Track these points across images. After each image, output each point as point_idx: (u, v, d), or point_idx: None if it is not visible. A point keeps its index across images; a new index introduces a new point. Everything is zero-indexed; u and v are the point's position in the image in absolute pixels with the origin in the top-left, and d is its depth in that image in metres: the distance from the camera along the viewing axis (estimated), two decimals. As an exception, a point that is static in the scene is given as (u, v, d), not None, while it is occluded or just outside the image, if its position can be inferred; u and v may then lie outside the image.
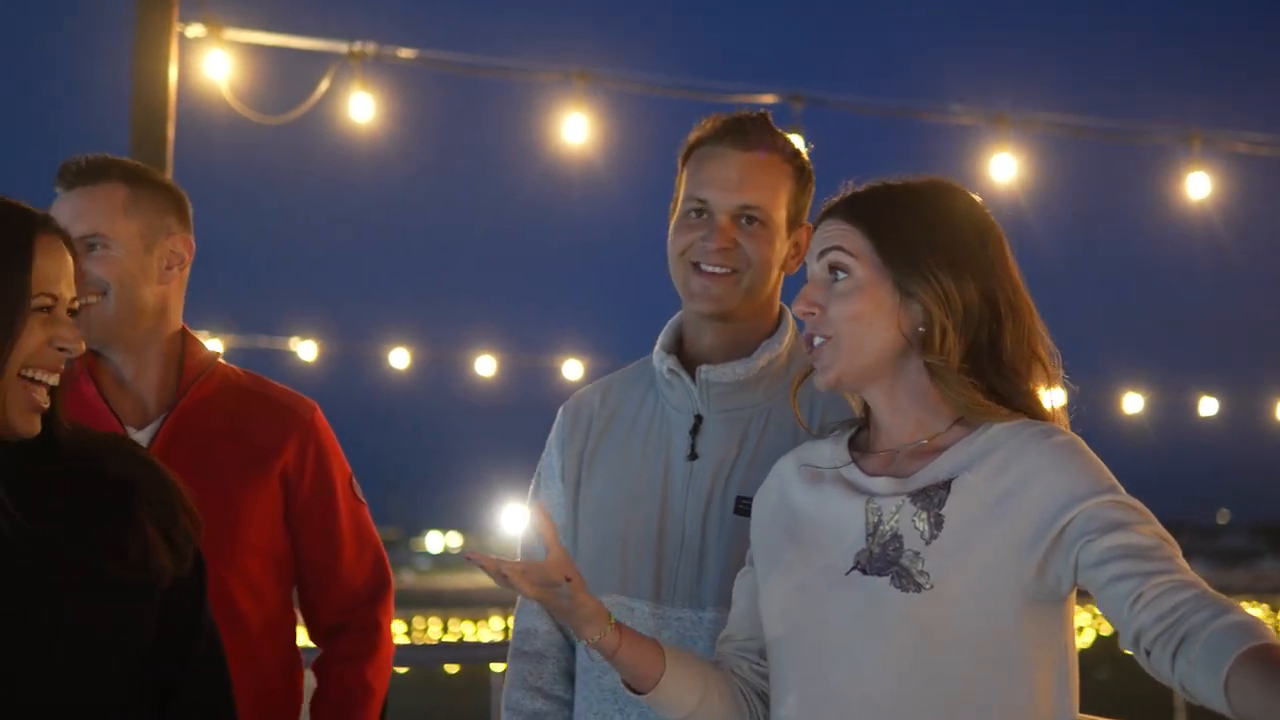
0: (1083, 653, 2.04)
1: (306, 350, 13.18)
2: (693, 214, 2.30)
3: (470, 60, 7.27)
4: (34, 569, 1.85)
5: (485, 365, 13.48)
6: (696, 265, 2.28)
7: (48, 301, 1.89)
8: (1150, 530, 1.80)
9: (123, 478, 1.95)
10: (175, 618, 1.97)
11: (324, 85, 6.63)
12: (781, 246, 2.33)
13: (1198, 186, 7.84)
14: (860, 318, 1.92)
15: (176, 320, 2.62)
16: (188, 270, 2.63)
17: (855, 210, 1.96)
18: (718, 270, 2.27)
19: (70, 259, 1.94)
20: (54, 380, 1.90)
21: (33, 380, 1.87)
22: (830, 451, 2.01)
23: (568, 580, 1.88)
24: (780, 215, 2.31)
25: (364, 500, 2.71)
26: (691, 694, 1.99)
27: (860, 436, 2.03)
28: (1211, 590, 1.73)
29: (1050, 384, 1.96)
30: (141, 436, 2.52)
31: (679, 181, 2.35)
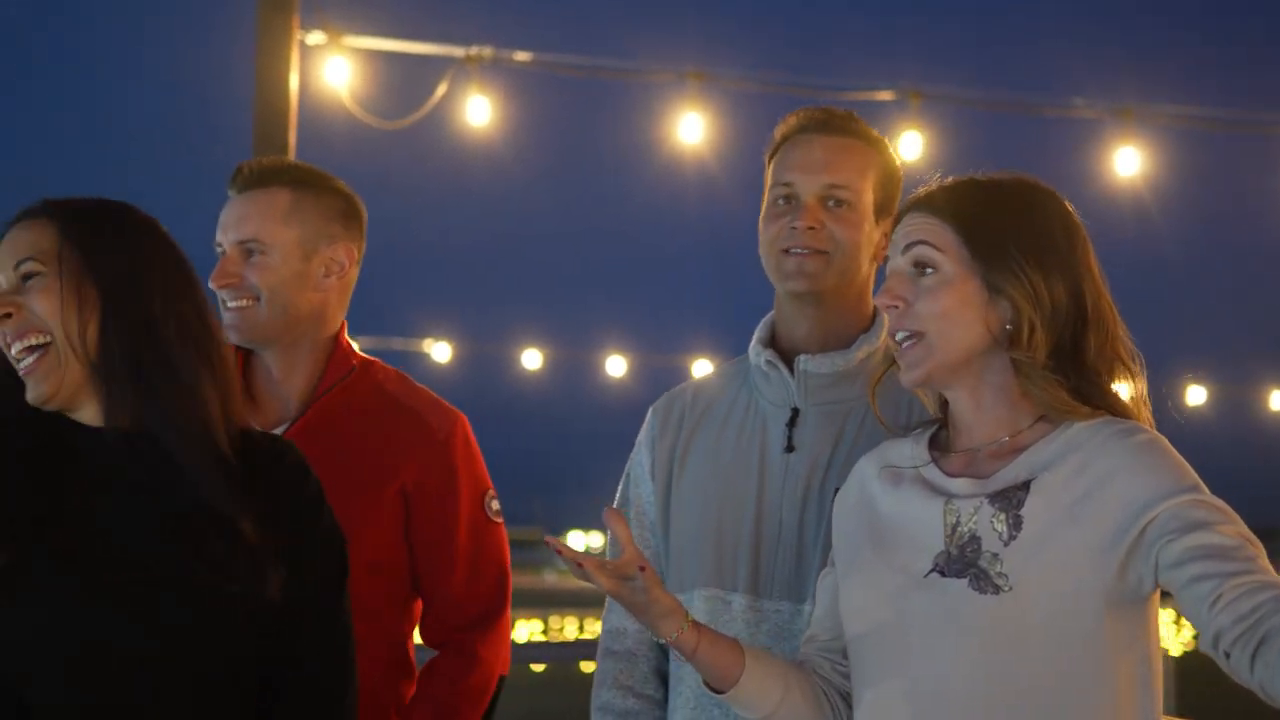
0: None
1: (440, 352, 13.37)
2: (780, 200, 2.31)
3: (585, 62, 7.29)
4: (117, 569, 1.86)
5: (616, 365, 13.55)
6: (788, 250, 2.28)
7: None
8: (1232, 530, 1.76)
9: (256, 481, 1.94)
10: (290, 628, 1.95)
11: (441, 89, 6.70)
12: (871, 232, 2.31)
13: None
14: (948, 314, 1.89)
15: (334, 324, 2.62)
16: (351, 275, 2.63)
17: (944, 204, 1.94)
18: (807, 251, 2.27)
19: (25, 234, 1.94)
20: (14, 346, 1.90)
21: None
22: (911, 451, 1.99)
23: (641, 570, 1.88)
24: (867, 199, 2.30)
25: (498, 520, 2.64)
26: (772, 693, 1.98)
27: (941, 435, 2.01)
28: None
29: (1136, 386, 1.93)
30: None
31: (766, 177, 2.35)
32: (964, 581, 1.83)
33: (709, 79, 6.80)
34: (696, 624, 1.96)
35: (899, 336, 1.93)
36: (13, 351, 1.91)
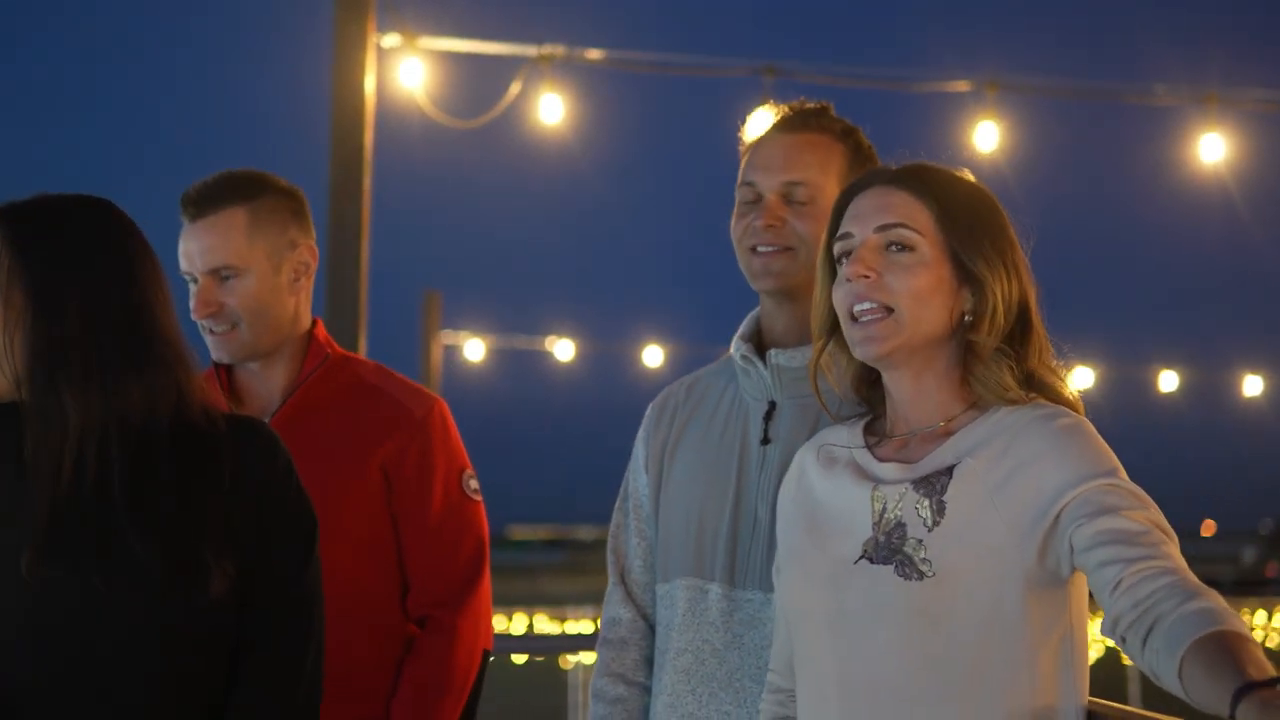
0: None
1: (563, 350, 13.54)
2: (746, 201, 2.35)
3: (657, 59, 7.29)
4: (70, 558, 1.90)
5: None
6: (754, 249, 2.32)
7: None
8: (1142, 516, 1.78)
9: (221, 458, 1.98)
10: (251, 600, 1.99)
11: (515, 88, 6.73)
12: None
13: None
14: (921, 295, 1.91)
15: (307, 319, 2.71)
16: (314, 273, 2.71)
17: (920, 186, 1.95)
18: (772, 249, 2.30)
19: None
20: None
21: None
22: (846, 435, 2.02)
23: None
24: (829, 192, 2.31)
25: (476, 498, 2.73)
26: None
27: (877, 423, 2.03)
28: (1191, 578, 1.70)
29: (1065, 385, 1.97)
30: None
31: (739, 176, 2.39)
32: (890, 568, 1.86)
33: (781, 74, 6.78)
34: None
35: (860, 308, 1.92)
36: None
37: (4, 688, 1.91)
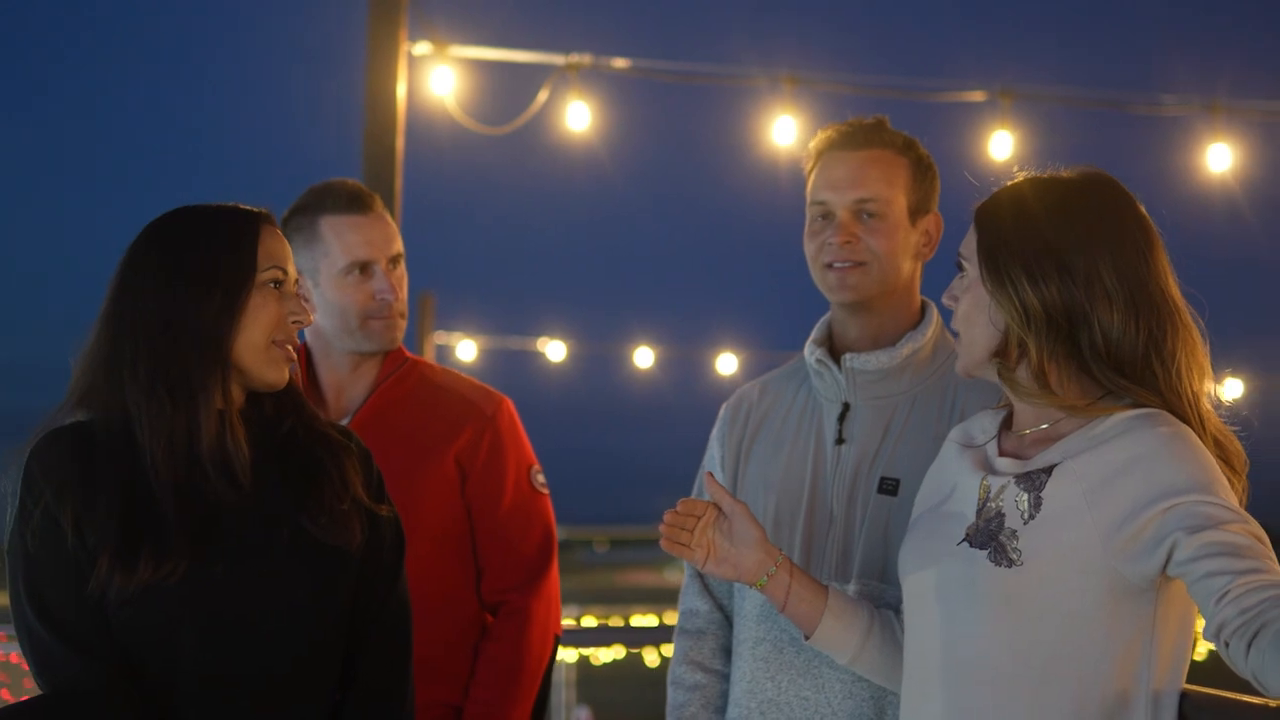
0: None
1: (555, 350, 13.70)
2: (818, 218, 2.46)
3: (680, 68, 7.46)
4: (251, 531, 2.09)
5: (727, 363, 13.70)
6: (830, 265, 2.44)
7: (278, 275, 2.13)
8: (1243, 529, 1.85)
9: (329, 453, 2.18)
10: (368, 586, 2.17)
11: (543, 96, 6.89)
12: (907, 236, 2.46)
13: None
14: (967, 315, 2.06)
15: None
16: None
17: (978, 210, 2.10)
18: (846, 265, 2.42)
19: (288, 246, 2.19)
20: (293, 344, 2.16)
21: (277, 344, 2.13)
22: (988, 424, 2.14)
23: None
24: (899, 205, 2.44)
25: (543, 491, 2.92)
26: (850, 643, 2.21)
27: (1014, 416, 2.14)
28: None
29: (1199, 372, 2.01)
30: None
31: (806, 193, 2.51)
32: (985, 553, 1.97)
33: (802, 83, 6.93)
34: (789, 571, 2.20)
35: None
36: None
37: (165, 664, 2.05)
